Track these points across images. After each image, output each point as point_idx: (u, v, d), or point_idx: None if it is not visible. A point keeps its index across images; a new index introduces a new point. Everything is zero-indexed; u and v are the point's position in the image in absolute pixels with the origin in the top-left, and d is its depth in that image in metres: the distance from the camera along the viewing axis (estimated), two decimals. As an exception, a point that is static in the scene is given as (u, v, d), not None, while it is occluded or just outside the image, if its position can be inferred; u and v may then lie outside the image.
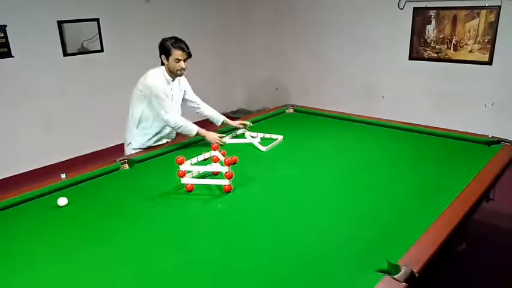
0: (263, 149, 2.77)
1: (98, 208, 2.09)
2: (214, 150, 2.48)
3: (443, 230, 1.69)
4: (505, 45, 4.10)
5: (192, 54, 2.76)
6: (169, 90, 2.81)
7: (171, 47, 2.68)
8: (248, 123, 3.13)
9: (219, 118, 3.12)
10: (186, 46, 2.72)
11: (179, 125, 2.77)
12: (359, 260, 1.58)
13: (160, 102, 2.71)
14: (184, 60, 2.73)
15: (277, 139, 2.93)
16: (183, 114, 2.94)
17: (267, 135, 2.99)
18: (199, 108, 3.08)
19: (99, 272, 1.59)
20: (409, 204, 2.02)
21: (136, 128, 2.85)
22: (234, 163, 2.25)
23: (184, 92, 2.98)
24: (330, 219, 1.92)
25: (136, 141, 2.89)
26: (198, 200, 2.16)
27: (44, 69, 4.39)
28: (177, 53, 2.68)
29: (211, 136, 2.77)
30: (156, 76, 2.74)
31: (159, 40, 2.75)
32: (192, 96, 3.04)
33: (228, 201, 2.12)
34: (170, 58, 2.70)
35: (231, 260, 1.64)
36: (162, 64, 2.79)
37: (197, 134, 2.78)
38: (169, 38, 2.73)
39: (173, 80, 2.82)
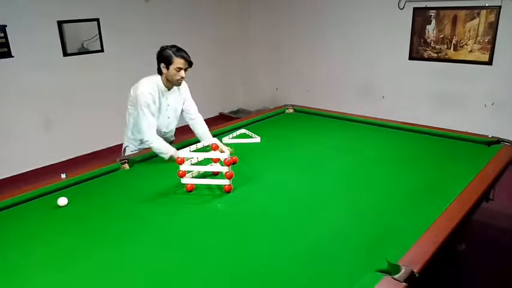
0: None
1: (98, 208, 2.09)
2: (214, 150, 2.48)
3: (444, 230, 1.69)
4: (505, 45, 4.10)
5: (192, 62, 2.62)
6: (165, 100, 2.69)
7: (172, 55, 2.55)
8: (229, 150, 2.42)
9: (207, 138, 2.77)
10: (188, 55, 2.60)
11: (151, 145, 2.60)
12: (359, 259, 1.58)
13: (141, 113, 2.58)
14: (185, 70, 2.61)
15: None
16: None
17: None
18: (193, 120, 2.87)
19: (99, 272, 1.59)
20: (409, 204, 2.02)
21: (131, 133, 2.82)
22: (234, 163, 2.25)
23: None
24: (329, 219, 1.93)
25: (132, 145, 2.87)
26: (198, 200, 2.17)
27: (44, 69, 4.39)
28: (179, 62, 2.56)
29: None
30: (147, 84, 2.61)
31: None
32: (189, 105, 2.85)
33: (228, 201, 2.13)
34: (171, 67, 2.56)
35: (231, 259, 1.64)
36: (159, 73, 2.64)
37: (170, 158, 2.51)
38: (170, 46, 2.60)
39: (169, 90, 2.70)
